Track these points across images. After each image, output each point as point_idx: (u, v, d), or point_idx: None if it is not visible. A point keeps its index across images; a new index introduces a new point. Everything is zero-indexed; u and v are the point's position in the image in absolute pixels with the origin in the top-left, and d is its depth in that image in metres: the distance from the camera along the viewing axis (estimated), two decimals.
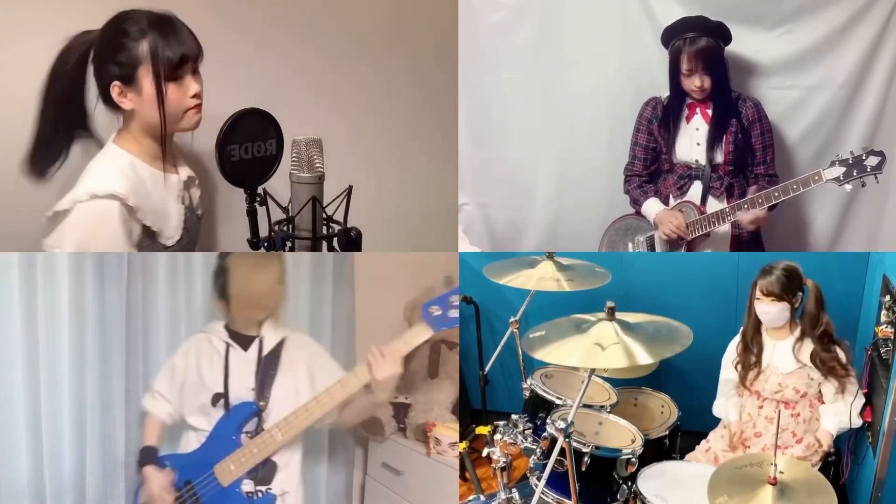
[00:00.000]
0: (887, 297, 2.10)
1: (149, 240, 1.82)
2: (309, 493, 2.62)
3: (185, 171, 1.95)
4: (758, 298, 2.13)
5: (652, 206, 2.54)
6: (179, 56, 1.72)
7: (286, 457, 2.02)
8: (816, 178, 2.18)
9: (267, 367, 2.02)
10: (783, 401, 2.15)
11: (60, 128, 1.84)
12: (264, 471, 1.97)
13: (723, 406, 2.29)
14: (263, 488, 1.97)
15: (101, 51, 1.76)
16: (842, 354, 2.09)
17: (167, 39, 1.72)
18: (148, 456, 2.03)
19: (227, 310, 2.05)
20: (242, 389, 2.00)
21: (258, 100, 1.83)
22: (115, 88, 1.75)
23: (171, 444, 2.13)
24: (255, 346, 2.04)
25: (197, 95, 1.79)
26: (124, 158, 1.81)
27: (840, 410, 2.11)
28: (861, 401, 2.11)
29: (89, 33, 1.80)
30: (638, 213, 2.60)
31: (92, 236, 1.72)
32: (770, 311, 2.12)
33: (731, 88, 2.45)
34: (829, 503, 1.66)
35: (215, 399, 1.99)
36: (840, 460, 2.18)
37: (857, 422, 2.10)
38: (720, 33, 2.36)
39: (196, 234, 2.01)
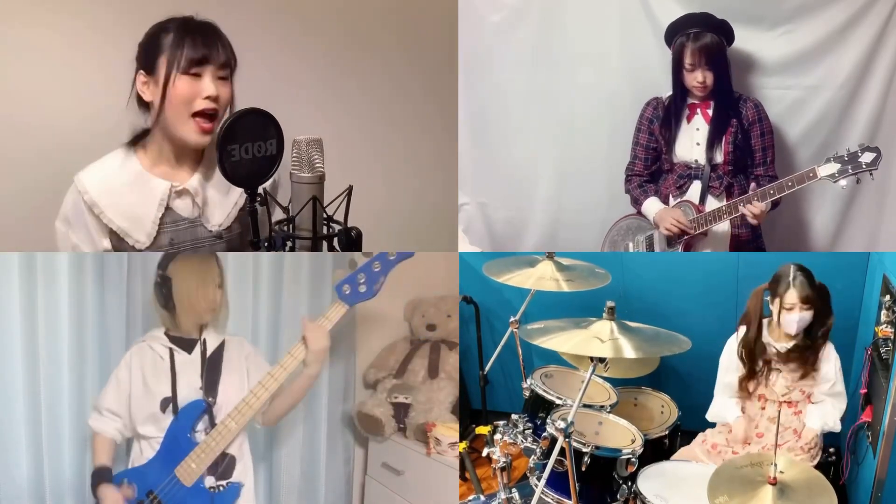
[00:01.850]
0: (887, 297, 2.10)
1: (116, 239, 1.89)
2: (305, 491, 2.64)
3: (188, 182, 1.92)
4: (788, 308, 2.09)
5: (651, 206, 2.54)
6: (200, 53, 1.77)
7: (238, 449, 2.03)
8: (811, 174, 2.18)
9: (211, 367, 2.02)
10: (788, 401, 2.15)
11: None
12: (224, 465, 1.98)
13: (721, 407, 2.28)
14: (224, 482, 1.98)
15: (141, 46, 1.85)
16: (824, 363, 2.13)
17: (192, 36, 1.78)
18: (101, 476, 1.97)
19: (172, 318, 2.02)
20: (190, 390, 1.98)
21: (258, 99, 1.83)
22: (140, 77, 1.83)
23: (122, 459, 2.08)
24: (198, 348, 2.03)
25: (212, 99, 1.79)
26: (126, 160, 1.89)
27: (827, 412, 2.12)
28: (844, 404, 2.13)
29: None
30: (639, 212, 2.60)
31: (66, 211, 1.89)
32: (804, 317, 2.10)
33: (733, 89, 2.45)
34: (828, 500, 1.66)
35: (164, 404, 1.96)
36: (840, 460, 2.19)
37: (838, 427, 2.11)
38: (724, 31, 2.37)
39: (199, 244, 1.98)
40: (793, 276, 2.10)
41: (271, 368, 2.00)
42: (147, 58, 1.81)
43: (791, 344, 2.14)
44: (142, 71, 1.83)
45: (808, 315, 2.10)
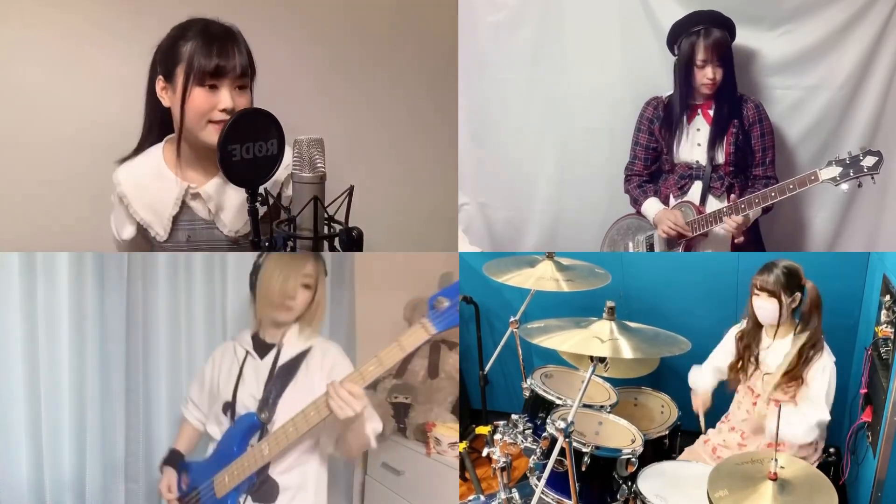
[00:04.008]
0: (887, 297, 2.10)
1: (143, 232, 1.97)
2: None
3: (203, 186, 1.92)
4: (755, 294, 2.13)
5: (651, 206, 2.54)
6: (214, 65, 1.77)
7: (297, 477, 1.90)
8: (813, 178, 2.18)
9: (279, 378, 1.91)
10: (776, 399, 2.15)
11: (155, 125, 1.96)
12: (264, 489, 1.86)
13: (696, 374, 2.30)
14: None
15: (161, 49, 1.85)
16: (810, 374, 2.06)
17: (209, 47, 1.77)
18: (171, 458, 2.05)
19: (254, 309, 1.99)
20: (249, 399, 1.91)
21: (259, 100, 1.83)
22: (160, 83, 1.85)
23: (201, 450, 2.11)
24: (271, 355, 1.94)
25: (227, 111, 1.78)
26: (154, 157, 1.95)
27: (792, 420, 2.02)
28: (817, 415, 2.01)
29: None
30: (639, 213, 2.60)
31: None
32: (765, 306, 2.11)
33: (737, 88, 2.45)
34: (829, 499, 1.66)
35: (225, 408, 1.95)
36: (840, 460, 2.19)
37: (803, 438, 2.02)
38: (730, 28, 2.38)
39: (216, 245, 1.98)
40: (768, 266, 2.10)
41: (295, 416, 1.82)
42: (166, 64, 1.82)
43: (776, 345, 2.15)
44: (161, 77, 1.84)
45: (768, 306, 2.09)
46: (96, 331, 2.30)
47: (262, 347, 1.97)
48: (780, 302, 2.08)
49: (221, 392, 1.97)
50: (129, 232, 1.97)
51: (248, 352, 1.98)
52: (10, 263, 2.14)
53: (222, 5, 1.89)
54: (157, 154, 1.95)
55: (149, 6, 2.14)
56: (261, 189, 1.72)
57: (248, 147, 1.64)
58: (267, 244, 1.74)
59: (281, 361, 1.93)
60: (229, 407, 1.94)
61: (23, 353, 2.17)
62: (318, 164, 1.71)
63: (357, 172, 1.89)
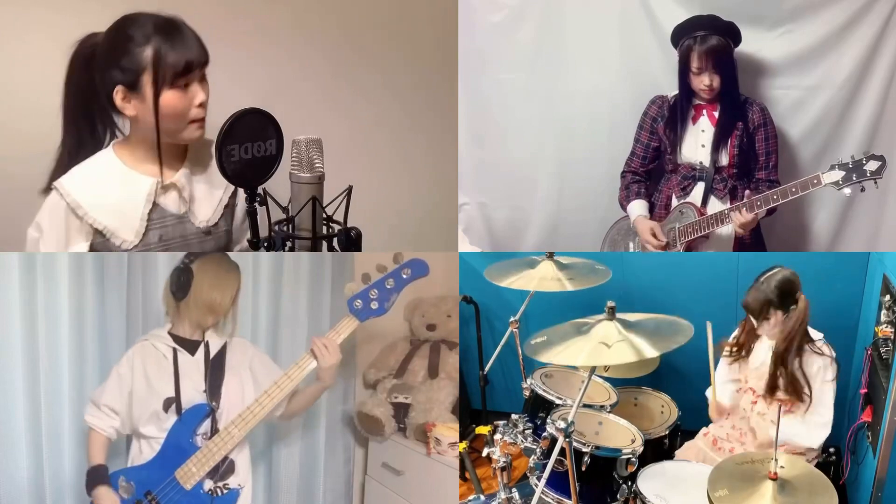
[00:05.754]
0: (887, 297, 2.10)
1: (101, 238, 1.83)
2: (305, 491, 2.66)
3: (174, 176, 1.89)
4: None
5: (634, 209, 2.55)
6: (184, 63, 1.72)
7: (237, 452, 2.01)
8: (815, 181, 2.18)
9: (215, 370, 2.02)
10: (780, 399, 2.14)
11: (85, 134, 1.86)
12: (223, 468, 1.96)
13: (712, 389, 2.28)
14: (222, 484, 1.97)
15: (106, 55, 1.76)
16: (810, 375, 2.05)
17: (172, 45, 1.71)
18: (97, 476, 1.94)
19: (177, 308, 2.01)
20: (193, 392, 1.97)
21: (258, 99, 1.83)
22: (119, 94, 1.75)
23: (121, 456, 2.08)
24: (201, 350, 2.02)
25: (203, 105, 1.78)
26: (109, 161, 1.85)
27: (798, 434, 2.05)
28: (824, 432, 2.04)
29: (95, 36, 1.80)
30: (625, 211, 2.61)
31: (41, 219, 1.82)
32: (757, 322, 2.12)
33: (739, 91, 2.44)
34: (829, 498, 1.66)
35: (167, 404, 1.95)
36: (840, 460, 2.18)
37: (815, 443, 2.04)
38: (731, 33, 2.36)
39: (188, 240, 1.96)
40: (764, 281, 2.07)
41: (278, 377, 1.99)
42: (125, 74, 1.73)
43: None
44: (122, 87, 1.74)
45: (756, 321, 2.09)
46: (96, 330, 2.30)
47: (188, 344, 2.02)
48: (765, 319, 2.08)
49: (155, 391, 1.96)
50: (79, 248, 1.83)
51: (175, 349, 2.01)
52: (10, 263, 2.14)
53: (220, 4, 1.88)
54: (109, 159, 1.85)
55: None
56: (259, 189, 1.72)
57: (246, 147, 1.63)
58: (265, 245, 1.74)
59: (211, 356, 2.03)
60: (173, 402, 1.95)
61: (23, 353, 2.17)
62: (317, 165, 1.71)
63: (356, 172, 1.88)
